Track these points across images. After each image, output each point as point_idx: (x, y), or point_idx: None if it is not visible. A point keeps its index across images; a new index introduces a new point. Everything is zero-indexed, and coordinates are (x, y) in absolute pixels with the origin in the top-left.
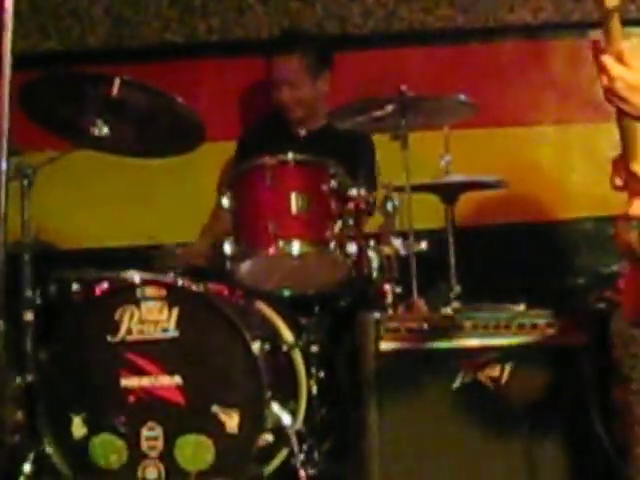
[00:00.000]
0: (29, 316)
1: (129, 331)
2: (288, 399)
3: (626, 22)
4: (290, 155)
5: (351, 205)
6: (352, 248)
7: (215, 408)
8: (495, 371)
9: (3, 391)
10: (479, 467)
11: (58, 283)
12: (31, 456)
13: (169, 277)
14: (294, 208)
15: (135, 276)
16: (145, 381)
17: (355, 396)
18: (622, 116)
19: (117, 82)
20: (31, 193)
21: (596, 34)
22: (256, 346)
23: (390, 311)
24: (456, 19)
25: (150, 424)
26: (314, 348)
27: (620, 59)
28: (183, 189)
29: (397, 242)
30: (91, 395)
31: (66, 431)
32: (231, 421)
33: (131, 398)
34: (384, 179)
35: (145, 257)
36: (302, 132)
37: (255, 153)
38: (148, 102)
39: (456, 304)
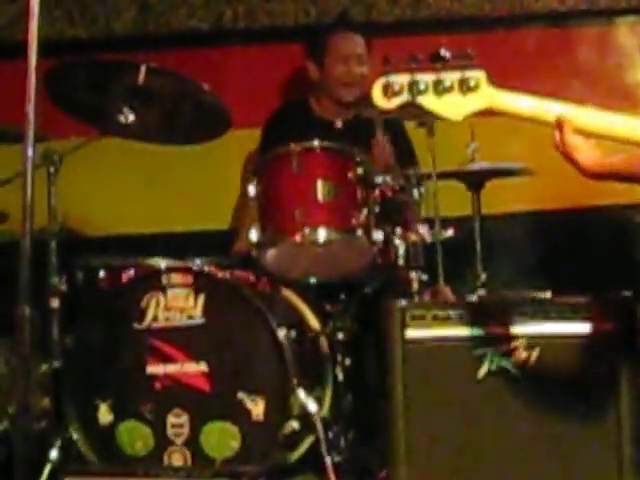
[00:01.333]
0: (55, 303)
1: (155, 318)
2: (314, 386)
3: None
4: (316, 142)
5: (377, 192)
6: (378, 235)
7: (241, 395)
8: (521, 358)
9: (30, 378)
10: (505, 454)
11: (84, 270)
12: (57, 443)
13: (195, 264)
14: (320, 195)
15: (161, 263)
16: (171, 368)
17: (381, 383)
18: None
19: (143, 69)
20: (57, 180)
21: (623, 21)
22: (282, 333)
23: (416, 298)
24: (483, 6)
25: (176, 411)
26: (340, 335)
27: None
28: (209, 176)
29: (423, 229)
30: (117, 382)
31: (92, 418)
32: (257, 408)
33: (157, 385)
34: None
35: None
36: (338, 123)
37: (281, 140)
38: (174, 89)
39: (482, 291)
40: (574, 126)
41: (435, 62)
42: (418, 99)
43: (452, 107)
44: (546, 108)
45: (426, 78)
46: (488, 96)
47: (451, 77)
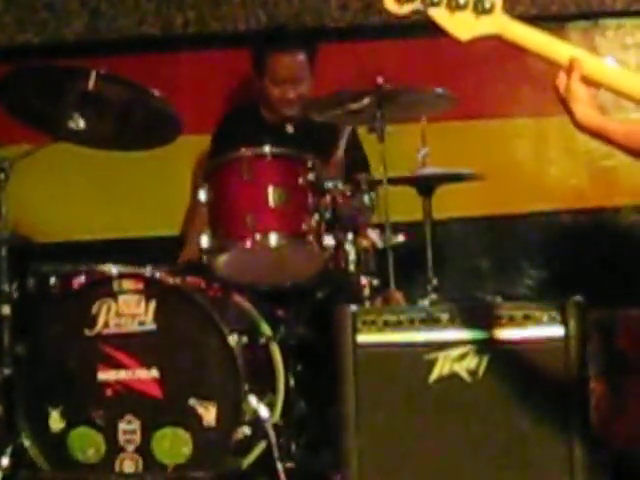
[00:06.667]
0: (6, 310)
1: (106, 324)
2: (266, 392)
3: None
4: (267, 148)
5: (328, 198)
6: (329, 241)
7: (192, 401)
8: (472, 363)
9: None
10: (457, 459)
11: (35, 277)
12: (9, 450)
13: (146, 270)
14: (271, 201)
15: (112, 269)
16: (122, 374)
17: (333, 388)
18: None
19: (93, 75)
20: (8, 186)
21: (573, 26)
22: (233, 339)
23: (367, 304)
24: None
25: (127, 417)
26: (292, 341)
27: (569, 71)
28: (160, 182)
29: (374, 235)
30: (69, 389)
31: (44, 425)
32: (208, 414)
33: (108, 391)
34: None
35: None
36: (289, 129)
37: (232, 145)
38: (124, 95)
39: (433, 296)
40: (584, 72)
41: None
42: (430, 10)
43: (462, 26)
44: (557, 47)
45: None
46: (500, 23)
47: None
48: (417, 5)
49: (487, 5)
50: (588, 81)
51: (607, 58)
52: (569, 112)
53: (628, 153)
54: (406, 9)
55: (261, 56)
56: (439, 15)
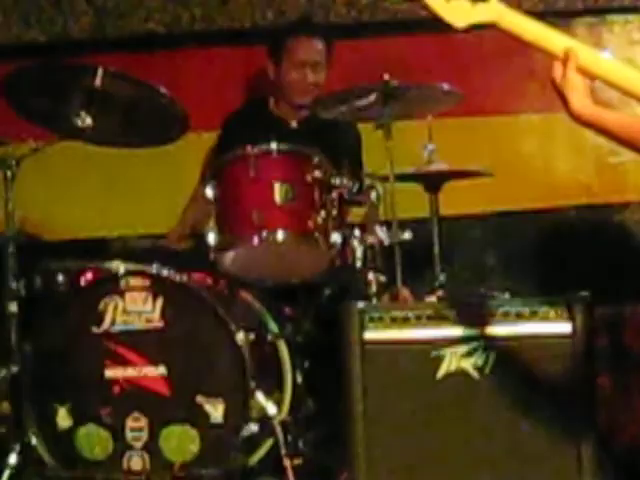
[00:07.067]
0: (13, 307)
1: (113, 322)
2: (273, 389)
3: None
4: (273, 145)
5: (335, 194)
6: (336, 238)
7: (200, 398)
8: (480, 360)
9: None
10: (464, 456)
11: (42, 274)
12: (17, 447)
13: (153, 267)
14: (278, 198)
15: (119, 266)
16: (130, 372)
17: (340, 385)
18: None
19: (100, 73)
20: (15, 184)
21: (580, 22)
22: (241, 336)
23: (374, 300)
24: None
25: (135, 415)
26: (299, 338)
27: (565, 61)
28: (167, 179)
29: (381, 231)
30: (76, 386)
31: (51, 422)
32: (216, 411)
33: (116, 389)
34: (367, 168)
35: (129, 248)
36: (293, 124)
37: (239, 141)
38: (131, 92)
39: (440, 293)
40: (579, 63)
41: None
42: None
43: (457, 13)
44: (553, 38)
45: None
46: (496, 10)
47: None
48: None
49: None
50: (583, 72)
51: (603, 51)
52: (564, 101)
53: (623, 144)
54: None
55: (282, 42)
56: (435, 2)
